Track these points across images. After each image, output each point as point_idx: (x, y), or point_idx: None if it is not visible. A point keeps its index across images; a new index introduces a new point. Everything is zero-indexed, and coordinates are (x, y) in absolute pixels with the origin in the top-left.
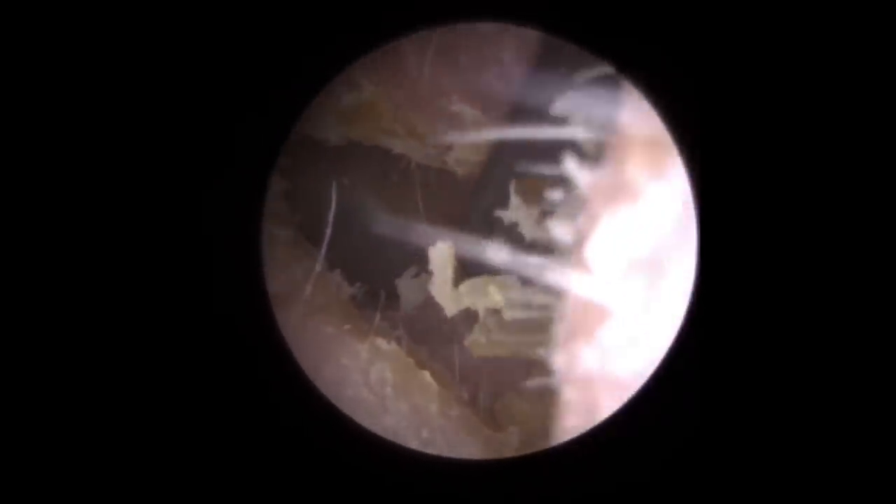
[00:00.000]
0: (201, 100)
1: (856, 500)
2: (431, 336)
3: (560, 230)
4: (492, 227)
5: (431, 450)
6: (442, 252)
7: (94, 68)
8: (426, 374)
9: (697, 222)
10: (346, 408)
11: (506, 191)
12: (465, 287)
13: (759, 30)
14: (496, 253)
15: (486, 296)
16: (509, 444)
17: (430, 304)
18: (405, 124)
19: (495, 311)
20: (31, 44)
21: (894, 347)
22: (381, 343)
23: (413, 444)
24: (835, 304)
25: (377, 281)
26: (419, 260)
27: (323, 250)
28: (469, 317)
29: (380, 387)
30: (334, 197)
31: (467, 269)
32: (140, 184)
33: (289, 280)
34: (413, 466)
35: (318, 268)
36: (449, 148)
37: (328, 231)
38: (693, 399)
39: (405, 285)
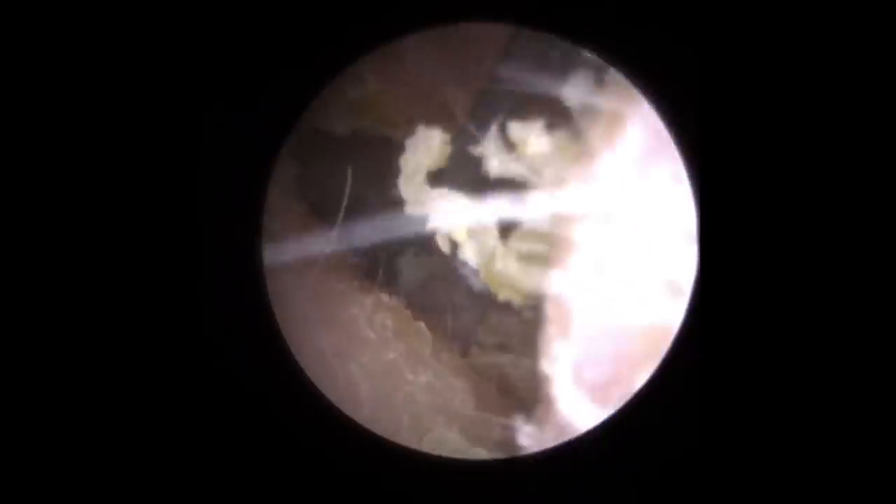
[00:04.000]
0: (204, 94)
1: (856, 500)
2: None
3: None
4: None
5: (423, 379)
6: (433, 137)
7: (97, 60)
8: (421, 324)
9: (697, 222)
10: (356, 346)
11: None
12: (439, 192)
13: (760, 27)
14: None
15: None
16: (490, 392)
17: (430, 282)
18: (405, 115)
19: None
20: (39, 31)
21: (894, 347)
22: (384, 296)
23: (408, 376)
24: (835, 304)
25: (378, 258)
26: (420, 241)
27: (339, 219)
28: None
29: (381, 329)
30: (349, 178)
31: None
32: (137, 175)
33: (305, 248)
34: (410, 465)
35: (334, 233)
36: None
37: (343, 204)
38: (693, 399)
39: (406, 263)
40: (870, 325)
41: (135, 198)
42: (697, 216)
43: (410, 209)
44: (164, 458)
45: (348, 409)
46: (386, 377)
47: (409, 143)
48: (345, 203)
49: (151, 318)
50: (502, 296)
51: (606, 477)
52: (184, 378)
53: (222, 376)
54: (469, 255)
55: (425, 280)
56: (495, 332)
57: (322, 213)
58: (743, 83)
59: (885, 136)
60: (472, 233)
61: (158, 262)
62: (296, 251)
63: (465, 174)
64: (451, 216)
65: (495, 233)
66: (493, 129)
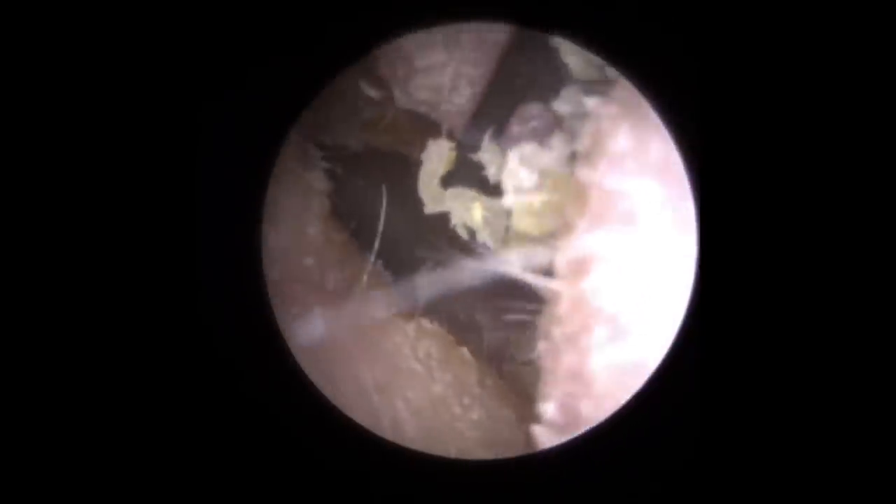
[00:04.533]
0: (199, 98)
1: (856, 500)
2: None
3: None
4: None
5: (472, 415)
6: (441, 147)
7: (93, 64)
8: (465, 350)
9: (697, 221)
10: (402, 379)
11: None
12: (452, 192)
13: (760, 30)
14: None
15: (469, 210)
16: (535, 412)
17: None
18: (421, 136)
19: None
20: (30, 36)
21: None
22: (426, 322)
23: (456, 410)
24: (835, 304)
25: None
26: (436, 254)
27: (376, 243)
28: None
29: (426, 360)
30: (385, 194)
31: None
32: (135, 176)
33: (343, 276)
34: (411, 466)
35: (372, 258)
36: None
37: (380, 225)
38: (694, 400)
39: (422, 280)
40: (869, 332)
41: (132, 199)
42: (697, 219)
43: (429, 209)
44: (169, 459)
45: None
46: (434, 413)
47: (424, 156)
48: (381, 227)
49: (148, 319)
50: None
51: (607, 477)
52: (181, 376)
53: (220, 373)
54: (485, 237)
55: (442, 295)
56: (525, 347)
57: (360, 238)
58: (743, 84)
59: (884, 136)
60: (486, 220)
61: (156, 263)
62: (335, 283)
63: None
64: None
65: (505, 216)
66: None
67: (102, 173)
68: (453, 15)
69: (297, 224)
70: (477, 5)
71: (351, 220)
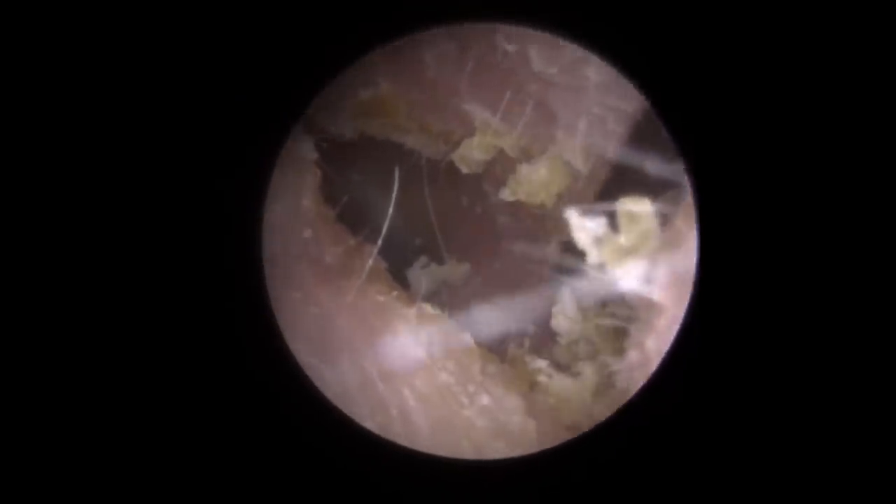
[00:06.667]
0: (204, 93)
1: (856, 500)
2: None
3: None
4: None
5: (480, 401)
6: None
7: (100, 57)
8: (467, 335)
9: (698, 221)
10: (406, 368)
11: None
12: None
13: (761, 32)
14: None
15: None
16: (543, 401)
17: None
18: (418, 121)
19: None
20: (30, 33)
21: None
22: (427, 308)
23: (463, 399)
24: (835, 304)
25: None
26: (428, 250)
27: (385, 228)
28: None
29: (429, 347)
30: (397, 178)
31: None
32: (140, 171)
33: (338, 254)
34: (411, 466)
35: (380, 242)
36: (457, 144)
37: (390, 209)
38: (693, 400)
39: (415, 275)
40: (869, 334)
41: (131, 201)
42: (697, 216)
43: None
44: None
45: (405, 440)
46: (442, 403)
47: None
48: (391, 209)
49: (148, 322)
50: None
51: (607, 477)
52: (183, 376)
53: (220, 371)
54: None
55: (437, 289)
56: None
57: (350, 217)
58: (745, 87)
59: (883, 138)
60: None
61: (154, 264)
62: (333, 258)
63: None
64: None
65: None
66: None
67: (102, 177)
68: (452, 16)
69: (294, 195)
70: (479, 6)
71: (343, 195)
